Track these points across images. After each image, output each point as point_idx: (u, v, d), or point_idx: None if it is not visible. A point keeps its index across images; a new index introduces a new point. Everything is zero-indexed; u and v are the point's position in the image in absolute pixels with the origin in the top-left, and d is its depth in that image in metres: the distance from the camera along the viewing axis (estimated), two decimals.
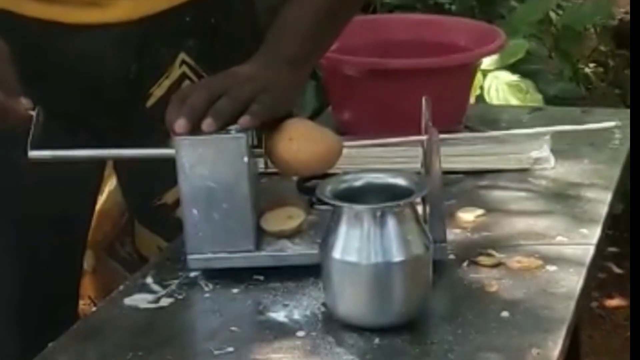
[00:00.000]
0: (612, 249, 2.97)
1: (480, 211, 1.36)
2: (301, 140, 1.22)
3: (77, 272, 1.53)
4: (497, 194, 1.43)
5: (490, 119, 1.69)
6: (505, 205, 1.39)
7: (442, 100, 1.57)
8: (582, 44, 2.56)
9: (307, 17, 1.31)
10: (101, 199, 1.93)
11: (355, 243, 1.08)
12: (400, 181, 1.13)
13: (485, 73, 2.09)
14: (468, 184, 1.45)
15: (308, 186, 1.40)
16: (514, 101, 2.07)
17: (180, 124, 1.17)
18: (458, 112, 1.64)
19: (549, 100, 2.19)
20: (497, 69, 2.13)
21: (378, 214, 1.07)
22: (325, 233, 1.11)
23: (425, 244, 1.10)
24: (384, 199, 1.11)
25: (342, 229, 1.09)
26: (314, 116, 2.11)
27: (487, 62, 2.08)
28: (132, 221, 1.53)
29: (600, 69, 2.75)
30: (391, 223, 1.07)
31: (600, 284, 2.90)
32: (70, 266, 1.49)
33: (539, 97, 2.09)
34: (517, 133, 1.40)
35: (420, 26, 1.75)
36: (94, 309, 1.29)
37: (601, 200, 1.39)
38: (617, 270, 2.96)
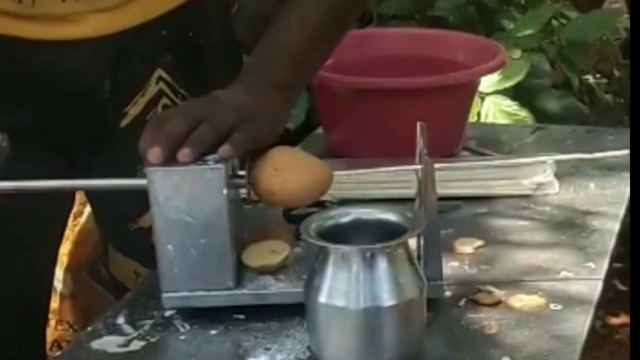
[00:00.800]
0: (617, 265, 2.87)
1: (479, 242, 1.26)
2: (287, 171, 1.13)
3: (45, 301, 1.44)
4: (498, 222, 1.34)
5: (491, 139, 1.60)
6: (506, 235, 1.30)
7: (439, 120, 1.49)
8: (586, 54, 2.48)
9: (298, 36, 1.21)
10: (81, 220, 1.84)
11: (343, 286, 0.99)
12: (392, 217, 1.04)
13: (483, 97, 2.00)
14: (466, 211, 1.36)
15: (294, 215, 1.31)
16: None
17: (154, 153, 1.08)
18: (456, 133, 1.55)
19: (552, 116, 2.11)
20: (496, 92, 2.04)
21: (367, 255, 0.98)
22: (310, 273, 1.02)
23: (419, 285, 1.01)
24: (374, 237, 1.01)
25: (329, 270, 0.99)
26: (302, 129, 2.03)
27: (485, 81, 1.98)
28: (105, 247, 1.44)
29: (605, 80, 2.66)
30: (382, 265, 0.98)
31: (604, 301, 2.80)
32: (37, 296, 1.41)
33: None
34: (519, 162, 1.31)
35: (416, 41, 1.66)
36: (58, 353, 1.20)
37: (608, 230, 1.30)
38: (622, 287, 2.87)
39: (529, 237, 1.30)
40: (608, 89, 2.69)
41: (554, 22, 2.35)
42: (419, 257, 1.12)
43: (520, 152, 1.54)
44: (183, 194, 1.09)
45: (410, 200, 1.19)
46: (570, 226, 1.31)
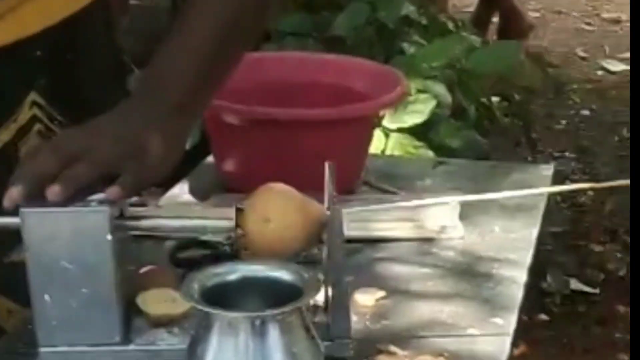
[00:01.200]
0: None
1: (380, 293, 1.17)
2: (280, 221, 1.02)
3: None
4: (400, 269, 1.25)
5: (391, 173, 1.51)
6: (409, 284, 1.21)
7: (337, 154, 1.38)
8: (485, 82, 2.42)
9: (194, 55, 1.08)
10: None
11: (230, 356, 0.88)
12: (285, 276, 0.93)
13: (387, 133, 1.92)
14: (366, 256, 1.27)
15: (183, 258, 1.20)
16: None
17: (10, 194, 0.96)
18: (356, 168, 1.45)
19: (452, 151, 2.04)
20: (400, 130, 1.95)
21: (257, 322, 0.87)
22: (192, 339, 0.91)
23: (316, 355, 0.90)
24: (265, 298, 0.91)
25: (214, 338, 0.88)
26: (198, 149, 1.91)
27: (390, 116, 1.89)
28: None
29: (505, 103, 2.61)
30: (273, 333, 0.87)
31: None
32: None
33: None
34: (427, 202, 1.21)
35: (313, 67, 1.56)
36: None
37: (515, 280, 1.22)
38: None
39: (432, 286, 1.21)
40: (507, 111, 2.65)
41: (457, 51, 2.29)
42: (325, 309, 1.03)
43: (422, 189, 1.45)
44: (61, 239, 0.97)
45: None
46: (475, 275, 1.23)
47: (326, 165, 1.06)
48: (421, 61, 2.21)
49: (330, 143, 1.38)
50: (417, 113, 1.95)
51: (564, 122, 3.75)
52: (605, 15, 5.22)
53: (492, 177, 1.50)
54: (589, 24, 5.12)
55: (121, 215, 1.01)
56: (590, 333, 2.49)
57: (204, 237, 1.22)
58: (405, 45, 2.30)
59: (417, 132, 1.99)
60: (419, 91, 2.00)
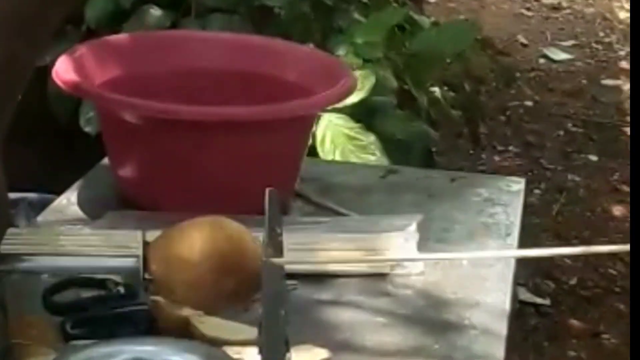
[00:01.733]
0: None
1: (323, 354, 0.89)
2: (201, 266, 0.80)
3: None
4: (346, 315, 0.97)
5: (331, 183, 1.23)
6: (358, 338, 0.93)
7: (265, 164, 1.11)
8: (437, 68, 2.15)
9: None
10: None
11: None
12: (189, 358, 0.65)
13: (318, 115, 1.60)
14: (305, 298, 0.98)
15: (59, 303, 0.91)
16: (354, 160, 1.61)
17: None
18: (288, 179, 1.17)
19: (397, 143, 1.76)
20: (334, 110, 1.64)
21: None
22: None
23: None
24: None
25: None
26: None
27: None
28: None
29: (452, 94, 2.35)
30: None
31: None
32: None
33: (384, 160, 1.63)
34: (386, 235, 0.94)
35: (238, 51, 1.27)
36: None
37: (494, 331, 0.95)
38: None
39: (388, 340, 0.93)
40: (455, 102, 2.38)
41: (400, 30, 2.01)
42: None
43: (369, 206, 1.18)
44: None
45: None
46: (443, 325, 0.96)
47: (266, 192, 0.77)
48: (357, 37, 1.92)
49: (256, 150, 1.10)
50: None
51: (507, 113, 3.51)
52: (545, 0, 5.00)
53: (455, 192, 1.23)
54: (528, 9, 4.89)
55: None
56: (543, 351, 2.26)
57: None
58: (344, 23, 2.01)
59: (351, 113, 1.70)
60: (358, 70, 1.72)
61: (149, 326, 0.90)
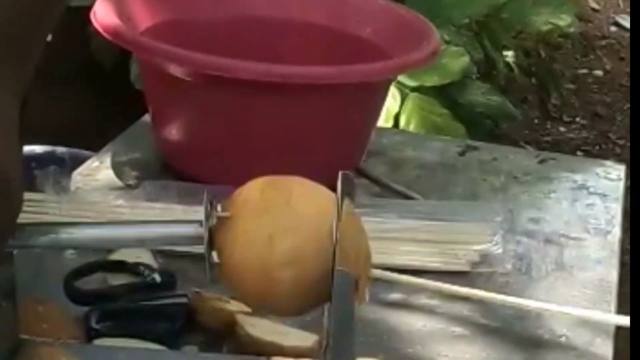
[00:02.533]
0: None
1: None
2: (288, 235, 0.58)
3: None
4: (416, 325, 0.82)
5: (400, 158, 1.08)
6: (428, 354, 0.78)
7: (329, 132, 0.97)
8: (513, 29, 1.98)
9: None
10: None
11: None
12: None
13: (406, 93, 1.42)
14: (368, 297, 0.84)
15: (84, 291, 0.77)
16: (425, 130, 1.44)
17: None
18: (355, 152, 1.02)
19: (470, 115, 1.60)
20: (418, 88, 1.47)
21: None
22: None
23: None
24: None
25: None
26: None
27: None
28: None
29: (526, 60, 2.18)
30: None
31: None
32: None
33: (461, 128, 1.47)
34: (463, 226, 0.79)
35: (300, 0, 1.11)
36: None
37: (596, 355, 0.80)
38: None
39: (467, 357, 0.78)
40: (528, 69, 2.21)
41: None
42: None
43: (446, 189, 1.02)
44: None
45: None
46: (533, 341, 0.81)
47: (339, 175, 0.62)
48: (451, 7, 1.74)
49: (322, 117, 0.95)
50: (443, 71, 1.49)
51: (575, 82, 3.33)
52: None
53: (544, 176, 1.07)
54: None
55: None
56: None
57: (115, 256, 0.79)
58: None
59: (439, 93, 1.54)
60: (446, 42, 1.54)
61: (188, 322, 0.77)
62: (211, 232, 0.60)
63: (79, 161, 1.06)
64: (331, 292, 0.59)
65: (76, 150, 1.28)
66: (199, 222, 0.61)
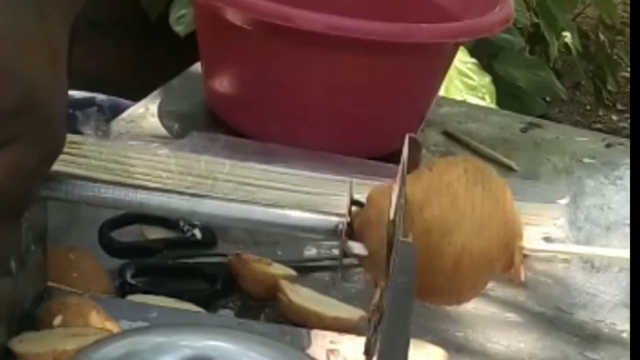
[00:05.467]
0: None
1: (439, 354, 0.69)
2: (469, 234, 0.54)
3: None
4: (467, 309, 0.76)
5: (458, 130, 1.02)
6: (479, 340, 0.73)
7: (393, 94, 0.91)
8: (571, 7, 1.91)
9: None
10: None
11: None
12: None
13: None
14: None
15: (121, 243, 0.72)
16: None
17: None
18: (411, 119, 0.96)
19: (517, 89, 1.54)
20: None
21: None
22: None
23: None
24: None
25: None
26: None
27: None
28: None
29: (583, 41, 2.11)
30: None
31: None
32: None
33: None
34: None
35: None
36: None
37: None
38: None
39: (521, 346, 0.73)
40: (586, 52, 2.14)
41: None
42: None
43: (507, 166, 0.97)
44: None
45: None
46: (594, 334, 0.75)
47: (406, 138, 0.57)
48: None
49: (385, 78, 0.90)
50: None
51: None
52: None
53: (610, 161, 1.01)
54: None
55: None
56: None
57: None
58: None
59: (475, 49, 1.46)
60: None
61: (226, 285, 0.72)
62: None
63: (118, 110, 1.01)
64: (394, 265, 0.54)
65: (116, 99, 1.23)
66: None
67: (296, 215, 0.56)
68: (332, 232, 0.55)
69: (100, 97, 1.28)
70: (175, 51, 1.48)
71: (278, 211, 0.56)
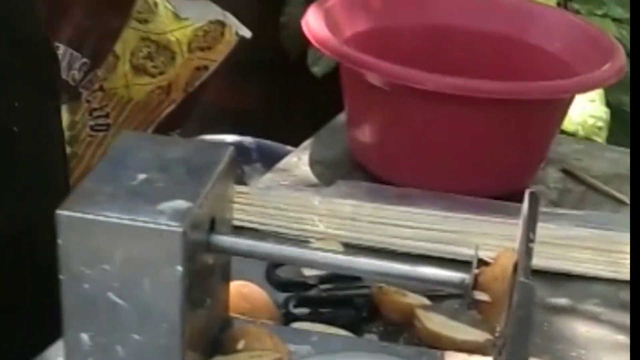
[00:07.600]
0: None
1: None
2: None
3: None
4: (581, 330, 0.88)
5: (576, 167, 1.13)
6: (593, 353, 0.85)
7: (514, 141, 1.04)
8: None
9: None
10: None
11: None
12: None
13: None
14: (536, 299, 0.90)
15: (284, 280, 0.87)
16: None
17: None
18: (534, 161, 1.08)
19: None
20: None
21: None
22: None
23: None
24: None
25: None
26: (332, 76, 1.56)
27: None
28: None
29: None
30: None
31: None
32: None
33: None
34: None
35: (494, 10, 1.18)
36: None
37: None
38: None
39: None
40: None
41: None
42: None
43: (617, 201, 1.08)
44: (110, 261, 0.65)
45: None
46: None
47: (526, 194, 0.69)
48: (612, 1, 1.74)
49: (506, 128, 1.02)
50: None
51: None
52: None
53: None
54: None
55: (212, 229, 0.69)
56: None
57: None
58: None
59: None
60: None
61: (370, 312, 0.86)
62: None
63: (264, 153, 1.16)
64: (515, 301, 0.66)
65: (260, 140, 1.38)
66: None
67: (429, 272, 0.69)
68: (459, 286, 0.68)
69: (247, 140, 1.45)
70: (310, 91, 1.62)
71: (415, 268, 0.69)
